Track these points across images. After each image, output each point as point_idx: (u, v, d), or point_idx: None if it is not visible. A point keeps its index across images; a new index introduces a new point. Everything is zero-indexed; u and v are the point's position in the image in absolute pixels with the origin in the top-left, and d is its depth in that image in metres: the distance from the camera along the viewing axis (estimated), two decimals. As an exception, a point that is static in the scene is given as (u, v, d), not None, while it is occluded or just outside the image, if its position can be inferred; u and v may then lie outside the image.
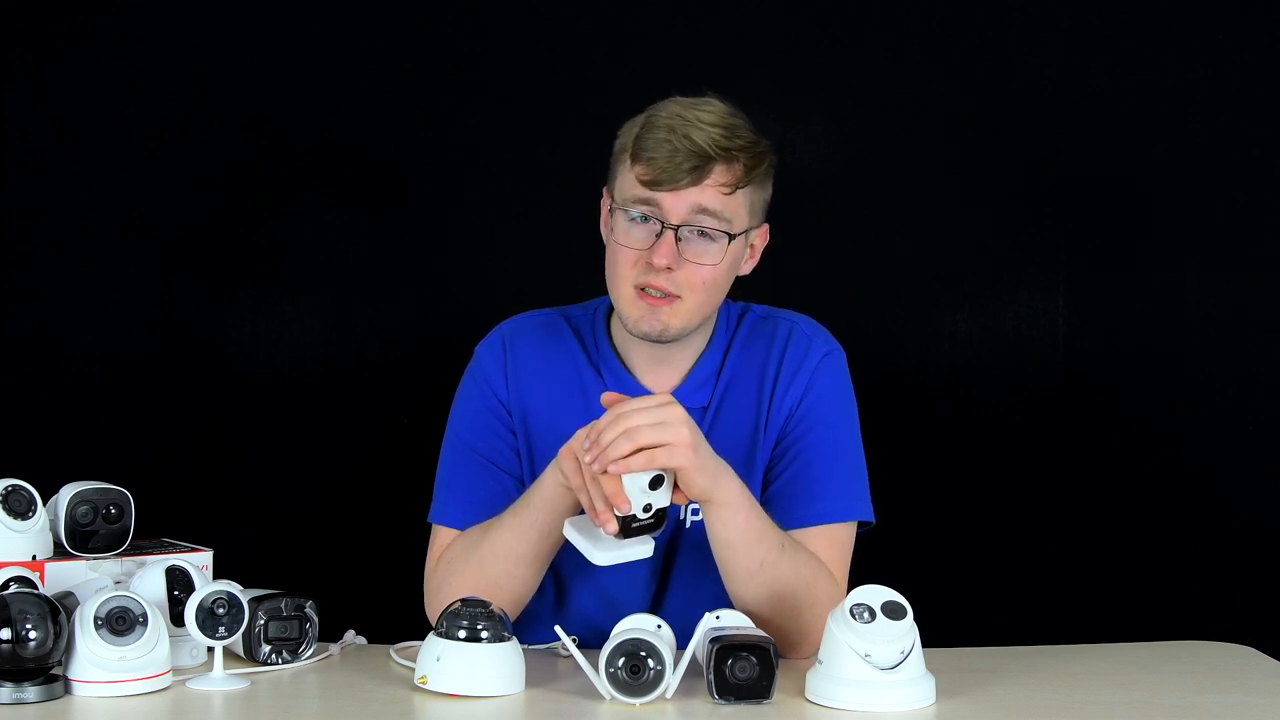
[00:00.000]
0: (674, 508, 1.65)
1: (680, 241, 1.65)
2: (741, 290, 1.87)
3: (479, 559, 1.69)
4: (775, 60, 2.51)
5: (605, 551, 1.56)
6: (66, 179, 2.48)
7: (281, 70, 2.49)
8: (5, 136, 2.47)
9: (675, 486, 1.57)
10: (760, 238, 1.76)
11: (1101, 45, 2.50)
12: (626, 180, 1.68)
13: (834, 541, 1.72)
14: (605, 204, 1.74)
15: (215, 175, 2.48)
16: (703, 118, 1.66)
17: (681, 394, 1.77)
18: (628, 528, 1.55)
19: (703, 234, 1.66)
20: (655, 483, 1.54)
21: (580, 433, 1.56)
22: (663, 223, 1.65)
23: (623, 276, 1.68)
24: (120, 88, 2.47)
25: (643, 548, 1.58)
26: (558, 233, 2.46)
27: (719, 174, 1.65)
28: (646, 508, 1.55)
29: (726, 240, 1.67)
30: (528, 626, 1.78)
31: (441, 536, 1.77)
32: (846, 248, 2.51)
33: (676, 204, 1.65)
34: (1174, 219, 2.50)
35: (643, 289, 1.67)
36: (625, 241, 1.68)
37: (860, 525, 1.77)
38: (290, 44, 2.49)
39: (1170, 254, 2.50)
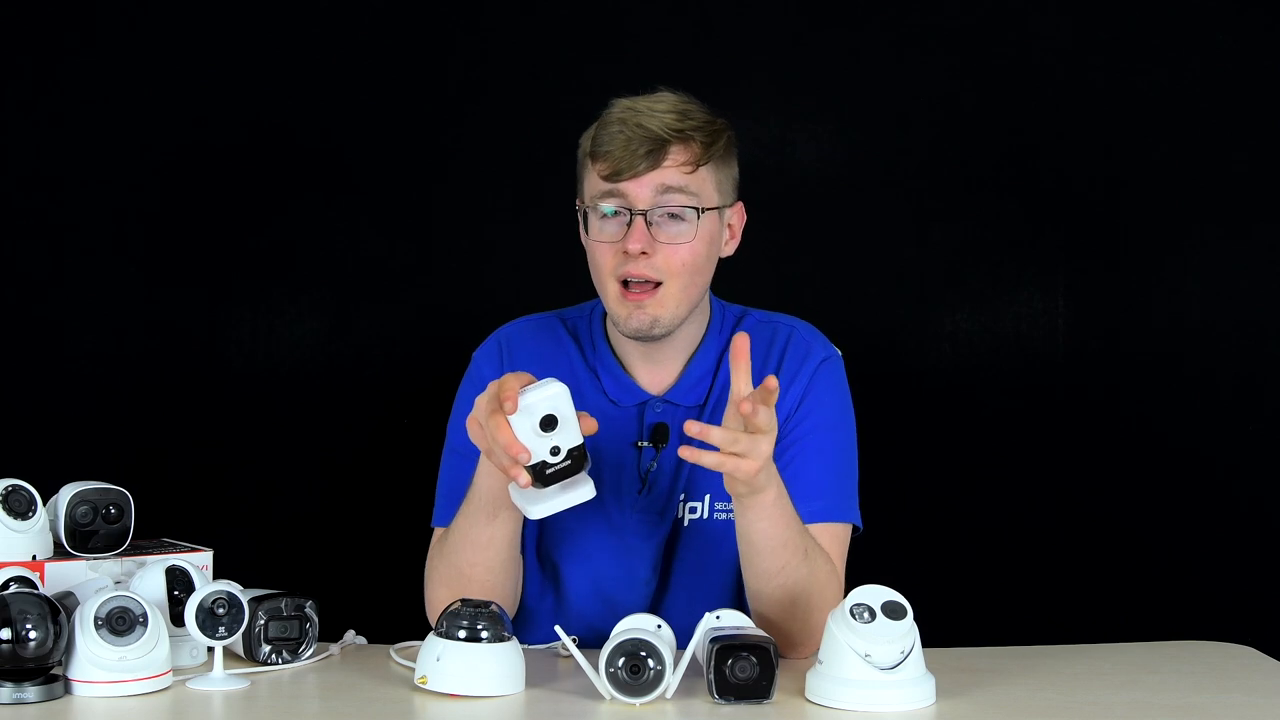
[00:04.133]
0: (674, 499, 1.64)
1: (652, 226, 1.67)
2: (741, 290, 1.88)
3: (448, 551, 1.70)
4: (775, 60, 2.51)
5: (538, 504, 1.54)
6: (66, 179, 2.48)
7: (281, 70, 2.49)
8: (5, 137, 2.47)
9: (582, 421, 1.52)
10: (737, 216, 1.78)
11: (1101, 45, 2.50)
12: (590, 181, 1.71)
13: (833, 540, 1.73)
14: (580, 217, 1.76)
15: (215, 175, 2.48)
16: (654, 106, 1.69)
17: (677, 392, 1.77)
18: (542, 475, 1.51)
19: (672, 216, 1.68)
20: (547, 424, 1.50)
21: (481, 398, 1.53)
22: (630, 210, 1.67)
23: (605, 273, 1.70)
24: (120, 87, 2.47)
25: (579, 491, 1.54)
26: (557, 234, 2.44)
27: (676, 154, 1.67)
28: (554, 450, 1.52)
29: (696, 216, 1.68)
30: (528, 626, 1.79)
31: (436, 537, 1.78)
32: (846, 248, 2.51)
33: (639, 189, 1.67)
34: (1174, 219, 2.50)
35: (625, 283, 1.68)
36: (599, 237, 1.70)
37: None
38: (290, 44, 2.49)
39: (1170, 254, 2.50)
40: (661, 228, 1.68)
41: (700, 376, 1.78)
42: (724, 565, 1.77)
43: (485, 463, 1.61)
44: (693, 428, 1.49)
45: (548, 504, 1.54)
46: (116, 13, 2.48)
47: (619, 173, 1.66)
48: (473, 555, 1.68)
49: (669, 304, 1.69)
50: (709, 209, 1.70)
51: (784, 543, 1.61)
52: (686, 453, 1.50)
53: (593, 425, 1.54)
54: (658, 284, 1.68)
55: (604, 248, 1.69)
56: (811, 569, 1.64)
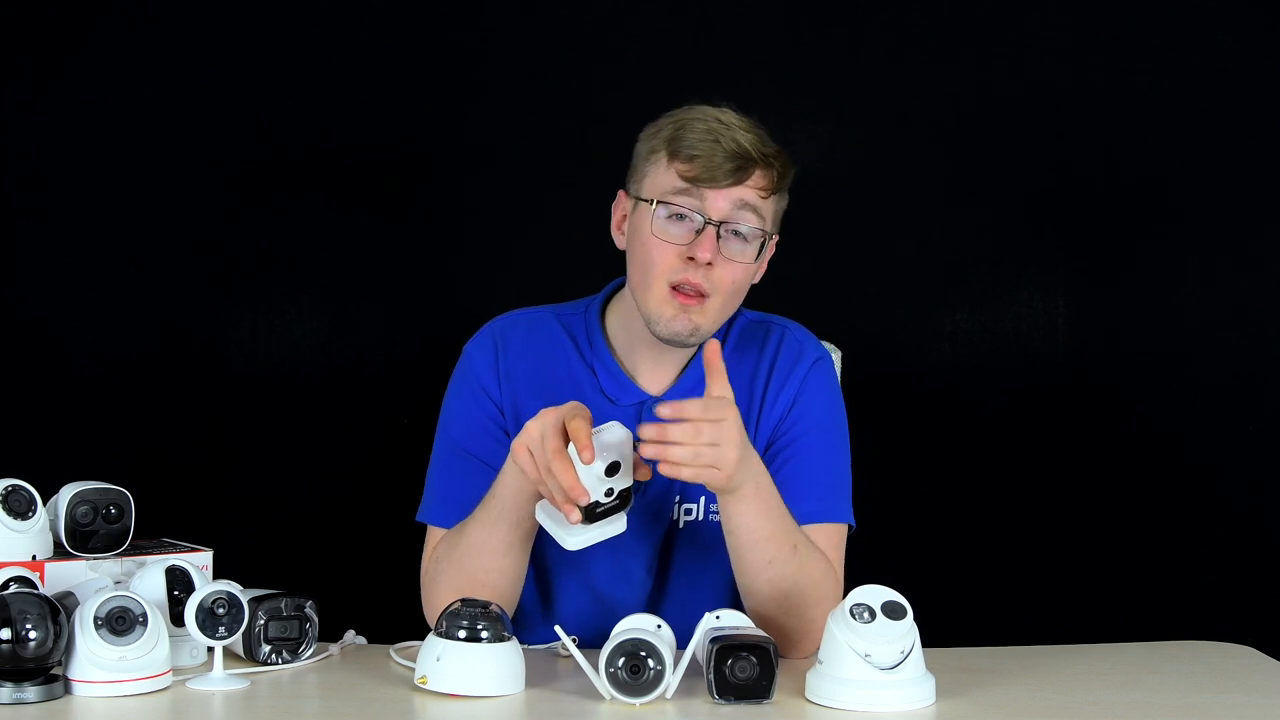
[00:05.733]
0: (669, 500, 1.63)
1: (719, 240, 1.66)
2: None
3: (458, 556, 1.69)
4: (775, 60, 2.51)
5: (576, 536, 1.56)
6: (67, 179, 2.48)
7: (281, 70, 2.49)
8: (6, 137, 2.47)
9: (637, 464, 1.56)
10: (770, 248, 1.77)
11: (1101, 46, 2.50)
12: (665, 177, 1.68)
13: (829, 541, 1.72)
14: (622, 207, 1.74)
15: (215, 175, 2.48)
16: (738, 123, 1.69)
17: (676, 393, 1.77)
18: (592, 513, 1.54)
19: (737, 234, 1.68)
20: (612, 469, 1.53)
21: (531, 424, 1.54)
22: (705, 218, 1.66)
23: (659, 274, 1.68)
24: (121, 88, 2.47)
25: (614, 526, 1.57)
26: (557, 233, 2.46)
27: (758, 177, 1.68)
28: (608, 492, 1.54)
29: (760, 240, 1.69)
30: (525, 627, 1.78)
31: (434, 537, 1.77)
32: (846, 248, 2.51)
33: (720, 200, 1.66)
34: (1174, 219, 2.50)
35: (675, 288, 1.67)
36: (664, 236, 1.68)
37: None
38: (290, 44, 2.49)
39: (1170, 254, 2.50)
40: (727, 242, 1.67)
41: (699, 379, 1.78)
42: (720, 566, 1.77)
43: (515, 475, 1.61)
44: (664, 409, 1.52)
45: (584, 536, 1.56)
46: (116, 13, 2.48)
47: (702, 179, 1.66)
48: (490, 562, 1.67)
49: (710, 316, 1.69)
50: (771, 237, 1.71)
51: (769, 537, 1.61)
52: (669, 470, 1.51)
53: (647, 472, 1.56)
54: (706, 296, 1.68)
55: (665, 247, 1.68)
56: (802, 565, 1.63)
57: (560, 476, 1.51)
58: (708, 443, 1.51)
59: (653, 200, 1.68)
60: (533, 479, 1.55)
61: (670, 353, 1.77)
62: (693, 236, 1.66)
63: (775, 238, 1.76)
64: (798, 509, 1.71)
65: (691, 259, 1.66)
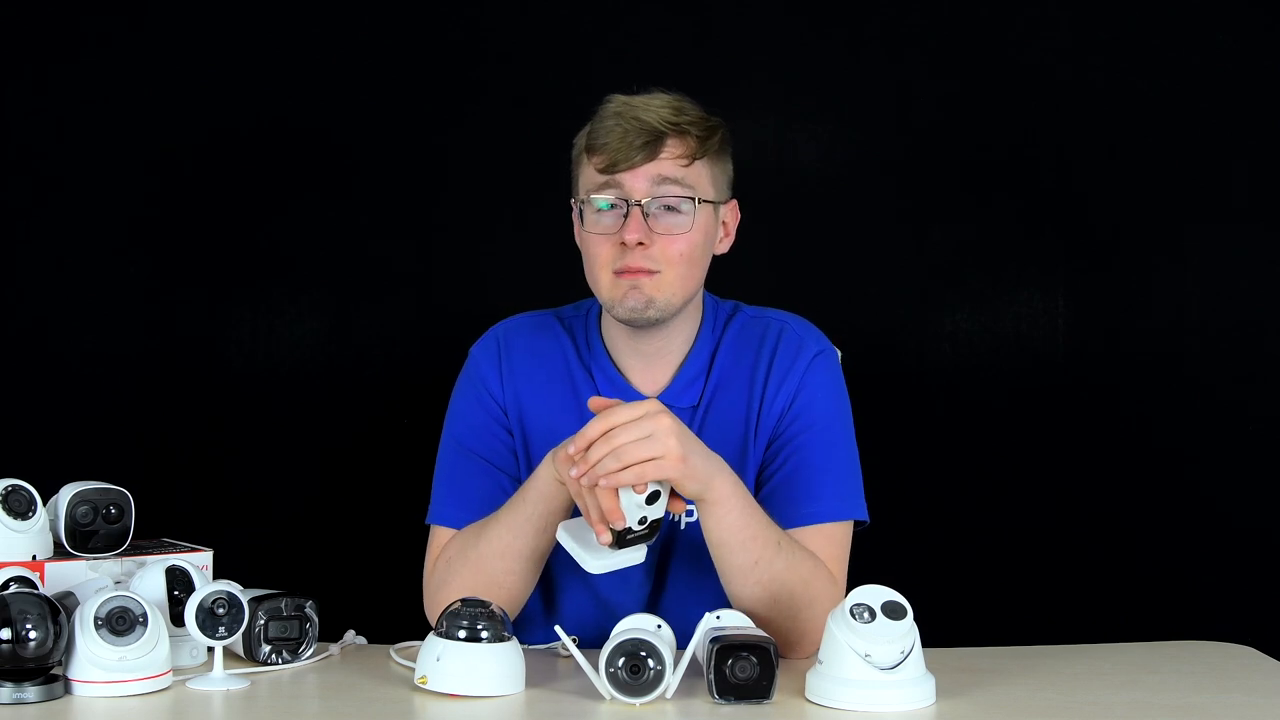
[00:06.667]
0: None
1: (648, 218, 1.68)
2: (741, 290, 1.87)
3: (477, 557, 1.69)
4: (775, 60, 2.51)
5: (599, 560, 1.58)
6: (66, 179, 2.48)
7: (281, 70, 2.49)
8: (5, 137, 2.47)
9: (672, 495, 1.57)
10: (731, 214, 1.78)
11: (1101, 45, 2.50)
12: (586, 175, 1.72)
13: (831, 541, 1.72)
14: (575, 214, 1.76)
15: (215, 175, 2.48)
16: (650, 102, 1.71)
17: (671, 393, 1.77)
18: (622, 539, 1.56)
19: (668, 207, 1.69)
20: (652, 498, 1.55)
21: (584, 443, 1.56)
22: (627, 201, 1.68)
23: (600, 265, 1.70)
24: (120, 88, 2.47)
25: (635, 555, 1.59)
26: (557, 234, 2.44)
27: (673, 147, 1.69)
28: (641, 520, 1.56)
29: (693, 206, 1.69)
30: (524, 628, 1.78)
31: (440, 537, 1.77)
32: (846, 248, 2.51)
33: (636, 181, 1.68)
34: (1174, 219, 2.50)
35: (619, 273, 1.69)
36: (596, 230, 1.70)
37: (855, 525, 1.77)
38: (290, 44, 2.49)
39: (1169, 254, 2.50)
40: (658, 219, 1.68)
41: (694, 377, 1.78)
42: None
43: (549, 482, 1.62)
44: (596, 402, 1.57)
45: (606, 561, 1.58)
46: (117, 13, 2.48)
47: (615, 164, 1.67)
48: (512, 564, 1.68)
49: (665, 290, 1.69)
50: (705, 201, 1.70)
51: (753, 535, 1.61)
52: (608, 482, 1.53)
53: (681, 506, 1.58)
54: (654, 272, 1.69)
55: (600, 239, 1.70)
56: (789, 561, 1.63)
57: (604, 499, 1.53)
58: (637, 438, 1.51)
59: (581, 200, 1.71)
60: (573, 491, 1.57)
61: (659, 354, 1.77)
62: (622, 222, 1.68)
63: (731, 202, 1.78)
64: (800, 508, 1.71)
65: (624, 244, 1.67)
